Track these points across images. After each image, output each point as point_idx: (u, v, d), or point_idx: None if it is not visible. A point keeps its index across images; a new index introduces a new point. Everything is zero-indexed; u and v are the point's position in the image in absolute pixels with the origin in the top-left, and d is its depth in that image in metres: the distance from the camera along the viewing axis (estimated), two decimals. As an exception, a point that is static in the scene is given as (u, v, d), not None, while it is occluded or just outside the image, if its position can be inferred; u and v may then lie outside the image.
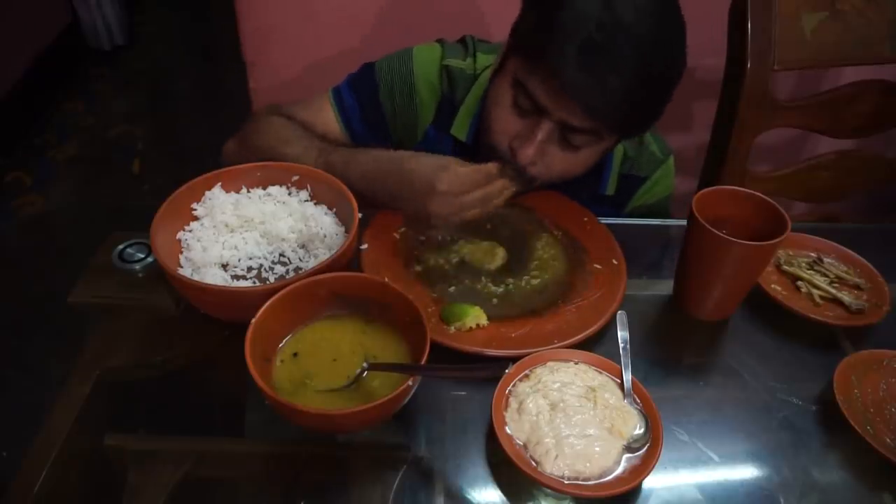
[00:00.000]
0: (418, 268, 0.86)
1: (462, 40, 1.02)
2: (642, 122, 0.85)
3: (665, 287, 0.87)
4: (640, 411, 0.67)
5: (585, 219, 0.95)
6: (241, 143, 0.98)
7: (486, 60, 0.97)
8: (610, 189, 1.02)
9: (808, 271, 0.88)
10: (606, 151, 0.90)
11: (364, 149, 0.89)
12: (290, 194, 0.85)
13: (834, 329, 0.83)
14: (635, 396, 0.69)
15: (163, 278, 0.74)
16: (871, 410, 0.71)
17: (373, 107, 0.98)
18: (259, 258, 0.79)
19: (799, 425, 0.72)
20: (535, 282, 0.85)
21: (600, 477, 0.62)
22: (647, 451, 0.64)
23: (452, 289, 0.83)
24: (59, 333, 0.78)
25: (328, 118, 0.99)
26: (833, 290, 0.85)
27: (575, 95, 0.76)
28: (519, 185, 0.85)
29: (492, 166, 0.80)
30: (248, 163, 0.85)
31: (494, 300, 0.82)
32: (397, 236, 0.90)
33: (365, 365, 0.66)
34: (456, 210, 0.80)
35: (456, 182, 0.78)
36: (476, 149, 0.96)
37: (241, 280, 0.77)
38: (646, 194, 1.05)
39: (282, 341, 0.69)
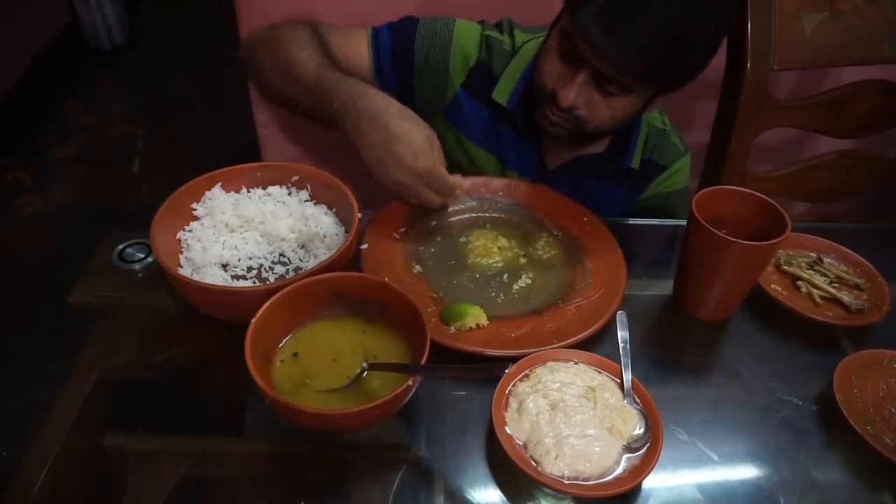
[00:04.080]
0: (418, 268, 0.86)
1: (499, 23, 1.06)
2: (672, 80, 0.87)
3: (665, 287, 0.87)
4: (640, 411, 0.67)
5: (585, 219, 0.95)
6: (268, 32, 0.99)
7: (523, 38, 1.02)
8: (635, 162, 1.04)
9: (808, 271, 0.88)
10: (649, 102, 0.93)
11: (363, 83, 0.87)
12: (289, 194, 0.85)
13: (834, 329, 0.83)
14: (635, 396, 0.69)
15: (163, 278, 0.74)
16: (871, 410, 0.71)
17: (405, 51, 1.00)
18: (259, 258, 0.79)
19: (799, 425, 0.72)
20: (535, 282, 0.86)
21: (600, 477, 0.62)
22: (647, 451, 0.64)
23: (452, 289, 0.83)
24: (59, 333, 0.78)
25: (360, 50, 1.01)
26: (833, 290, 0.85)
27: (597, 52, 0.80)
28: (574, 130, 0.92)
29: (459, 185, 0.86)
30: (264, 58, 0.94)
31: (495, 300, 0.82)
32: (397, 236, 0.90)
33: (365, 365, 0.66)
34: (412, 186, 0.83)
35: (433, 174, 0.82)
36: (515, 113, 1.01)
37: (241, 280, 0.77)
38: (663, 183, 1.09)
39: (282, 341, 0.69)
